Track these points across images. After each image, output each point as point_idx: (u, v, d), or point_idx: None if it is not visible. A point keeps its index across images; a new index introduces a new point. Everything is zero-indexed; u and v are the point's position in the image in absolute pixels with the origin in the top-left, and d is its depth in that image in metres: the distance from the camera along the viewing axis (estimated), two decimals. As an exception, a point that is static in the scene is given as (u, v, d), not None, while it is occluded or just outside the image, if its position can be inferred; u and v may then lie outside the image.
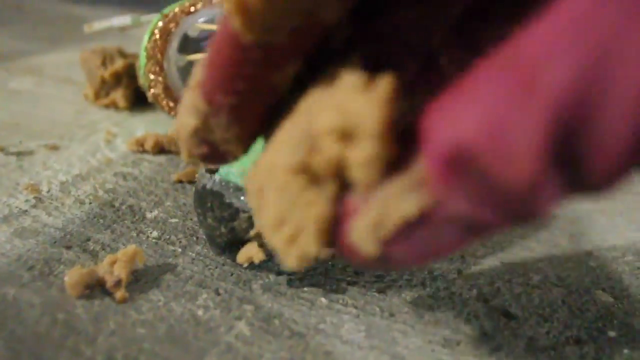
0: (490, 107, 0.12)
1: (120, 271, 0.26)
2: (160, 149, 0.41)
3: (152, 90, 0.44)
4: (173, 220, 0.33)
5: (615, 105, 0.11)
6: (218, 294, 0.27)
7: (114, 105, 0.50)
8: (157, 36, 0.43)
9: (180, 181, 0.37)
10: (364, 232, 0.14)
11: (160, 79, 0.43)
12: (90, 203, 0.34)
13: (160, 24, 0.43)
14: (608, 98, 0.11)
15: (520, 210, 0.13)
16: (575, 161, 0.11)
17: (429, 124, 0.13)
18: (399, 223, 0.14)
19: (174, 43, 0.43)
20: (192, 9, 0.43)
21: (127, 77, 0.49)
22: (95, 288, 0.26)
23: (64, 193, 0.35)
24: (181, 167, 0.39)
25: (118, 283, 0.26)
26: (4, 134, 0.43)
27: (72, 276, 0.26)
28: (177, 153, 0.41)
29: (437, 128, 0.13)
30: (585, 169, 0.11)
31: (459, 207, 0.13)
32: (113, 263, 0.26)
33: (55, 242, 0.30)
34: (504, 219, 0.13)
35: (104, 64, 0.49)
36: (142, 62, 0.44)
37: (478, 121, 0.12)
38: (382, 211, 0.14)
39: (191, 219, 0.33)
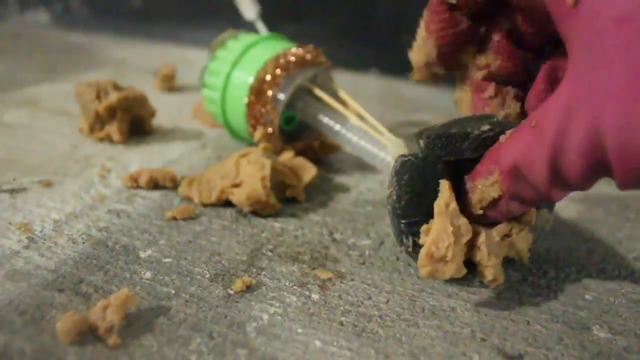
0: (526, 144, 0.24)
1: (113, 316, 0.26)
2: (155, 185, 0.41)
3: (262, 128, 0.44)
4: (167, 259, 0.33)
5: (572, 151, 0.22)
6: (212, 337, 0.26)
7: (108, 139, 0.50)
8: (269, 77, 0.43)
9: (175, 218, 0.37)
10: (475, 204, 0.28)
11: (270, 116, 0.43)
12: (83, 242, 0.34)
13: (273, 66, 0.44)
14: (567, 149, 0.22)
15: (544, 197, 0.25)
16: (564, 177, 0.23)
17: (501, 148, 0.26)
18: (491, 199, 0.27)
19: (288, 91, 0.44)
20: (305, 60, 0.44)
21: (122, 111, 0.49)
22: (87, 334, 0.26)
23: (57, 232, 0.35)
24: (175, 204, 0.39)
25: (110, 329, 0.26)
26: (-2, 170, 0.43)
27: (64, 323, 0.25)
28: (171, 189, 0.41)
29: (504, 152, 0.26)
30: (568, 181, 0.23)
31: (516, 192, 0.26)
32: (105, 308, 0.26)
33: (47, 285, 0.29)
34: (538, 199, 0.26)
35: (98, 97, 0.49)
36: (244, 91, 0.44)
37: (520, 152, 0.25)
38: (481, 194, 0.28)
39: (185, 259, 0.33)
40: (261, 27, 0.52)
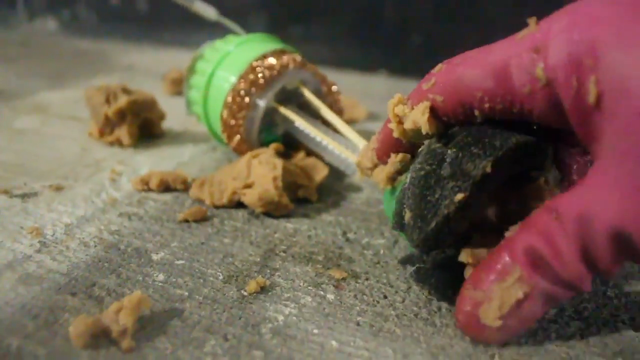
0: (547, 239, 0.22)
1: (126, 319, 0.25)
2: (166, 187, 0.41)
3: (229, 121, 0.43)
4: (179, 262, 0.32)
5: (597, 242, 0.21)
6: (226, 339, 0.26)
7: (118, 143, 0.50)
8: (251, 77, 0.42)
9: (187, 220, 0.37)
10: (490, 314, 0.24)
11: (241, 121, 0.43)
12: (95, 246, 0.33)
13: (256, 65, 0.43)
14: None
15: (575, 288, 0.23)
16: (596, 266, 0.22)
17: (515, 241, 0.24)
18: (514, 302, 0.23)
19: (270, 92, 0.43)
20: (291, 65, 0.43)
21: (131, 114, 0.49)
22: (100, 337, 0.25)
23: (69, 236, 0.34)
24: (187, 206, 0.39)
25: (124, 332, 0.25)
26: (9, 175, 0.43)
27: (77, 326, 0.25)
28: (182, 190, 0.41)
29: (519, 245, 0.24)
30: (600, 269, 0.22)
31: (543, 288, 0.23)
32: (118, 311, 0.26)
33: (60, 288, 0.29)
34: (566, 293, 0.23)
35: (107, 101, 0.49)
36: (222, 96, 0.44)
37: (542, 245, 0.23)
38: (501, 299, 0.23)
39: (198, 260, 0.32)
40: (230, 24, 0.51)
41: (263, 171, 0.38)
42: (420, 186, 0.26)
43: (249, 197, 0.37)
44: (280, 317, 0.28)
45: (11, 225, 0.35)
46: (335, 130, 0.41)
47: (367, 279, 0.31)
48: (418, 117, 0.27)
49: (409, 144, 0.29)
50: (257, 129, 0.43)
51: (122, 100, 0.49)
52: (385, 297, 0.30)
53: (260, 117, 0.43)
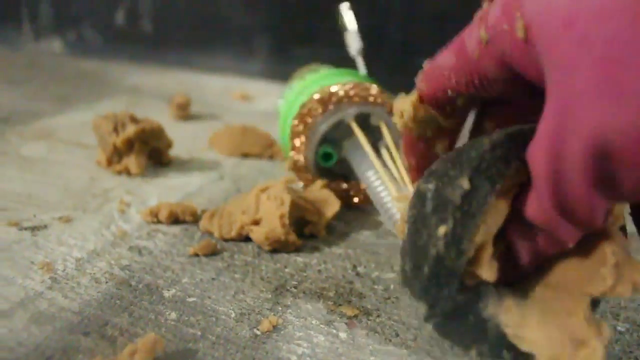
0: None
1: (141, 363, 0.25)
2: (175, 219, 0.41)
3: (293, 155, 0.44)
4: (191, 299, 0.32)
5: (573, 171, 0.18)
6: (240, 382, 0.26)
7: (126, 172, 0.50)
8: (313, 105, 0.42)
9: (197, 254, 0.37)
10: None
11: (303, 146, 0.43)
12: (106, 282, 0.33)
13: (357, 83, 0.43)
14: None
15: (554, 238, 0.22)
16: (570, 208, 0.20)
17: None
18: None
19: (354, 108, 0.43)
20: (385, 104, 0.43)
21: (139, 143, 0.50)
22: (115, 381, 0.25)
23: (80, 271, 0.34)
24: (196, 239, 0.39)
25: (138, 376, 0.25)
26: (18, 206, 0.43)
27: (91, 370, 0.25)
28: (192, 222, 0.41)
29: None
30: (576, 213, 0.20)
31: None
32: (133, 354, 0.26)
33: (72, 328, 0.29)
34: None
35: (115, 130, 0.50)
36: (286, 121, 0.44)
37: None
38: None
39: (209, 297, 0.32)
40: (360, 64, 0.52)
41: (271, 207, 0.38)
42: (411, 233, 0.23)
43: (256, 234, 0.37)
44: (294, 358, 0.28)
45: (22, 260, 0.35)
46: (396, 179, 0.40)
47: (378, 316, 0.31)
48: (406, 105, 0.28)
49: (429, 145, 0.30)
50: (320, 135, 0.43)
51: (130, 130, 0.49)
52: (397, 334, 0.30)
53: (330, 125, 0.43)
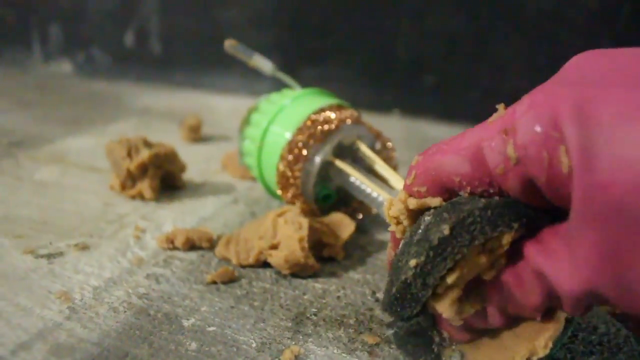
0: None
1: (164, 398, 0.25)
2: (191, 246, 0.41)
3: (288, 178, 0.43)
4: (211, 328, 0.32)
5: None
6: (264, 416, 0.26)
7: (140, 196, 0.50)
8: (309, 130, 0.42)
9: (215, 282, 0.36)
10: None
11: (297, 173, 0.43)
12: (125, 312, 0.33)
13: (315, 118, 0.43)
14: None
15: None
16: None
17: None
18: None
19: (328, 145, 0.43)
20: (349, 120, 0.43)
21: (153, 168, 0.50)
22: (137, 416, 0.25)
23: (98, 301, 0.34)
24: (213, 266, 0.39)
25: (161, 411, 0.25)
26: (33, 233, 0.43)
27: (114, 405, 0.25)
28: (208, 249, 0.41)
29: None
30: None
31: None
32: (155, 388, 0.26)
33: (92, 359, 0.29)
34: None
35: (129, 154, 0.50)
36: (279, 148, 0.44)
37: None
38: None
39: (229, 327, 0.32)
40: (286, 78, 0.52)
41: (289, 231, 0.37)
42: (399, 253, 0.25)
43: (275, 258, 0.37)
44: (317, 390, 0.27)
45: (39, 290, 0.35)
46: (391, 186, 0.41)
47: (400, 344, 0.31)
48: (400, 211, 0.27)
49: None
50: (313, 182, 0.43)
51: (144, 154, 0.49)
52: (420, 364, 0.30)
53: (317, 170, 0.43)
